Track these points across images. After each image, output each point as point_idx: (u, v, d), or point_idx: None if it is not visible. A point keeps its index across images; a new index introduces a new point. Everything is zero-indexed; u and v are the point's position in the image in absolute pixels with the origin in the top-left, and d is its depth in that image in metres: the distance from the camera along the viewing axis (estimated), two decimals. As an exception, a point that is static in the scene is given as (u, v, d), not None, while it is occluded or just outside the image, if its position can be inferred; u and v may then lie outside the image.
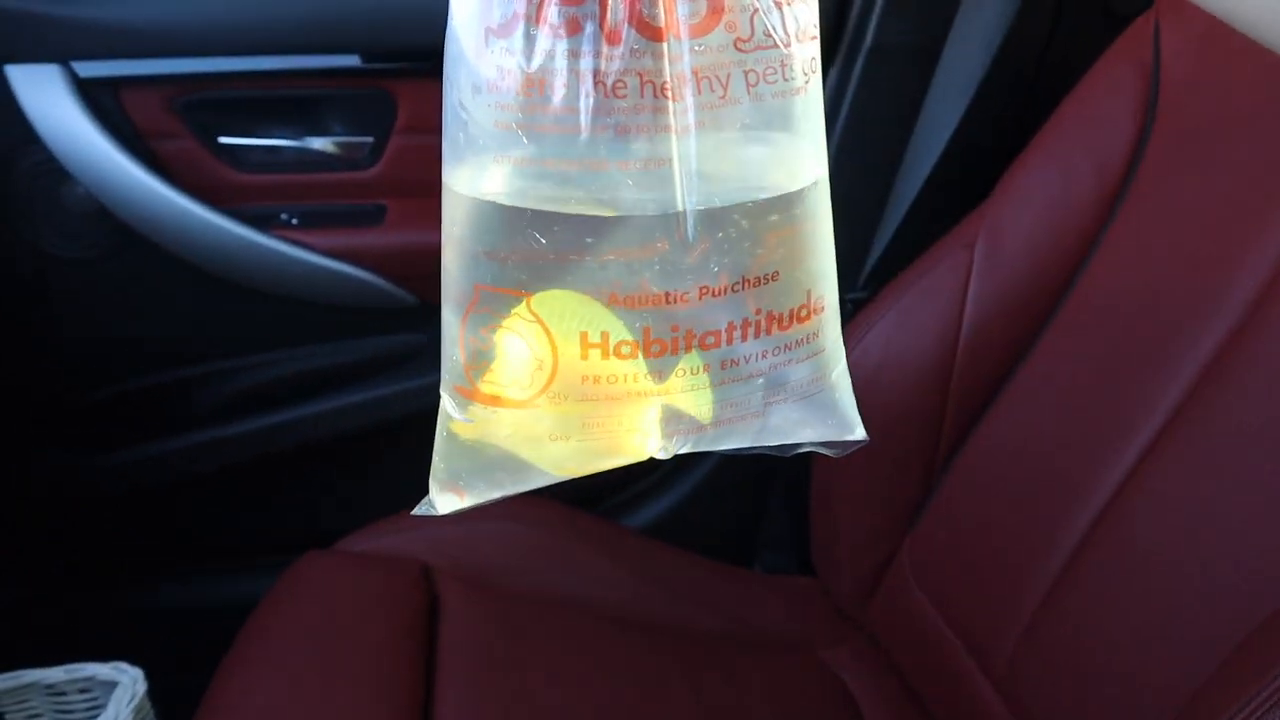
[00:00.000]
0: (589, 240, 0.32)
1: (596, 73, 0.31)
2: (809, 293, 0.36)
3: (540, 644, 0.86)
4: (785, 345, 0.36)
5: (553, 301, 0.33)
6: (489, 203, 0.33)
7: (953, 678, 0.82)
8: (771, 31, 0.32)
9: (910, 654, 0.90)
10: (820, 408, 0.38)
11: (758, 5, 0.32)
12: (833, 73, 1.02)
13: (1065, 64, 0.91)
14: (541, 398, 0.34)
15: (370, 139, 1.07)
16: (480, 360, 0.34)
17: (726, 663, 0.90)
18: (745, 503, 1.23)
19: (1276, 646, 0.54)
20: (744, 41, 0.32)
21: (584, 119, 0.31)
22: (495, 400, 0.35)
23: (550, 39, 0.31)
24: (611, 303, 0.33)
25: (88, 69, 0.98)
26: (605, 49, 0.31)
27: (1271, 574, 0.63)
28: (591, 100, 0.31)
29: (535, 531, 0.97)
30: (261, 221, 1.04)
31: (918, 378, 0.87)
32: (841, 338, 0.39)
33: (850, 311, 1.06)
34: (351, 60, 1.05)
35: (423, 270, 1.07)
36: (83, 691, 0.92)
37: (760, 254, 0.34)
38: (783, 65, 0.33)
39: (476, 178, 0.33)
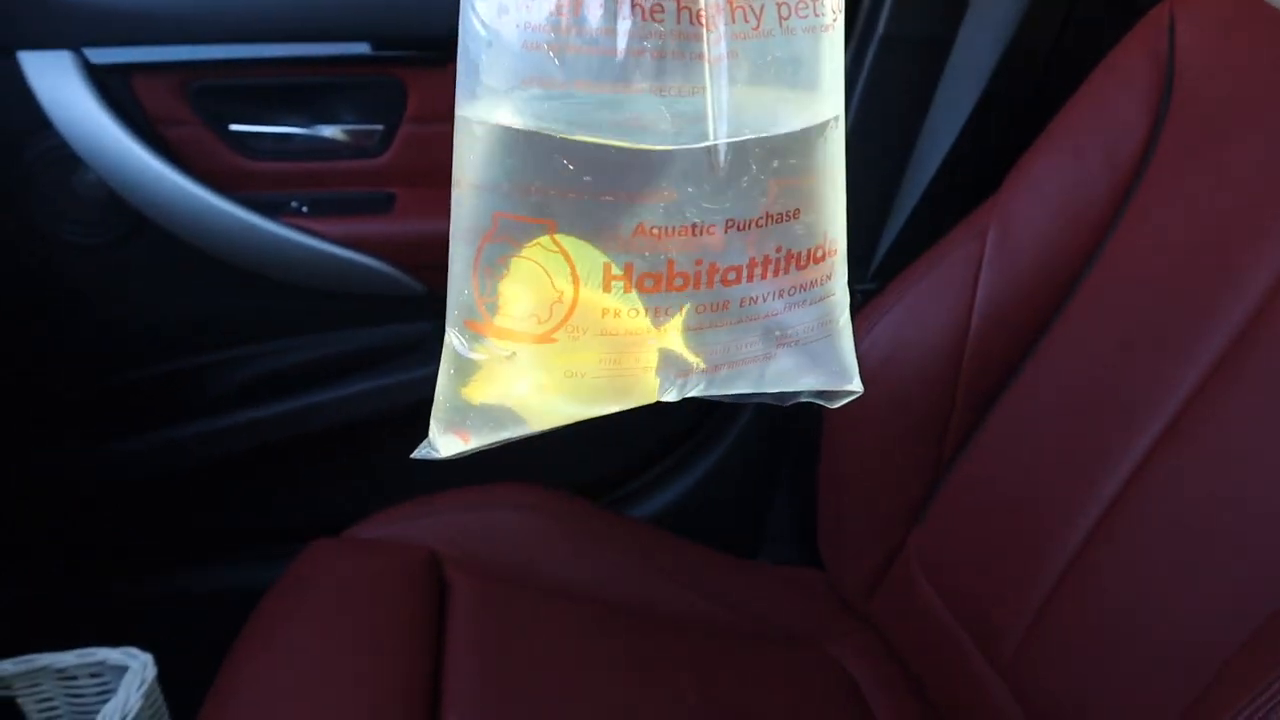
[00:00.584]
0: (617, 168, 0.32)
1: None
2: (825, 234, 0.36)
3: (547, 632, 0.86)
4: (800, 285, 0.35)
5: (571, 231, 0.32)
6: (513, 129, 0.32)
7: (959, 669, 0.82)
8: None
9: (916, 646, 0.90)
10: (823, 355, 0.38)
11: None
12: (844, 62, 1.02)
13: (1079, 54, 0.91)
14: (560, 331, 0.33)
15: (380, 127, 1.07)
16: (495, 293, 0.33)
17: (732, 653, 0.90)
18: (751, 494, 1.23)
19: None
20: None
21: (621, 41, 0.31)
22: (509, 334, 0.34)
23: None
24: (639, 233, 0.32)
25: (100, 55, 0.98)
26: None
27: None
28: (629, 23, 0.31)
29: (543, 520, 0.97)
30: (271, 209, 1.04)
31: (927, 369, 0.86)
32: (848, 286, 0.38)
33: (860, 303, 1.06)
34: (362, 48, 1.05)
35: (431, 259, 1.08)
36: (93, 676, 0.93)
37: (783, 189, 0.34)
38: (814, 0, 0.33)
39: (499, 103, 0.32)
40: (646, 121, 0.32)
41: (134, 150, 0.99)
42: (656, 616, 0.92)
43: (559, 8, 0.31)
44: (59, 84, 0.97)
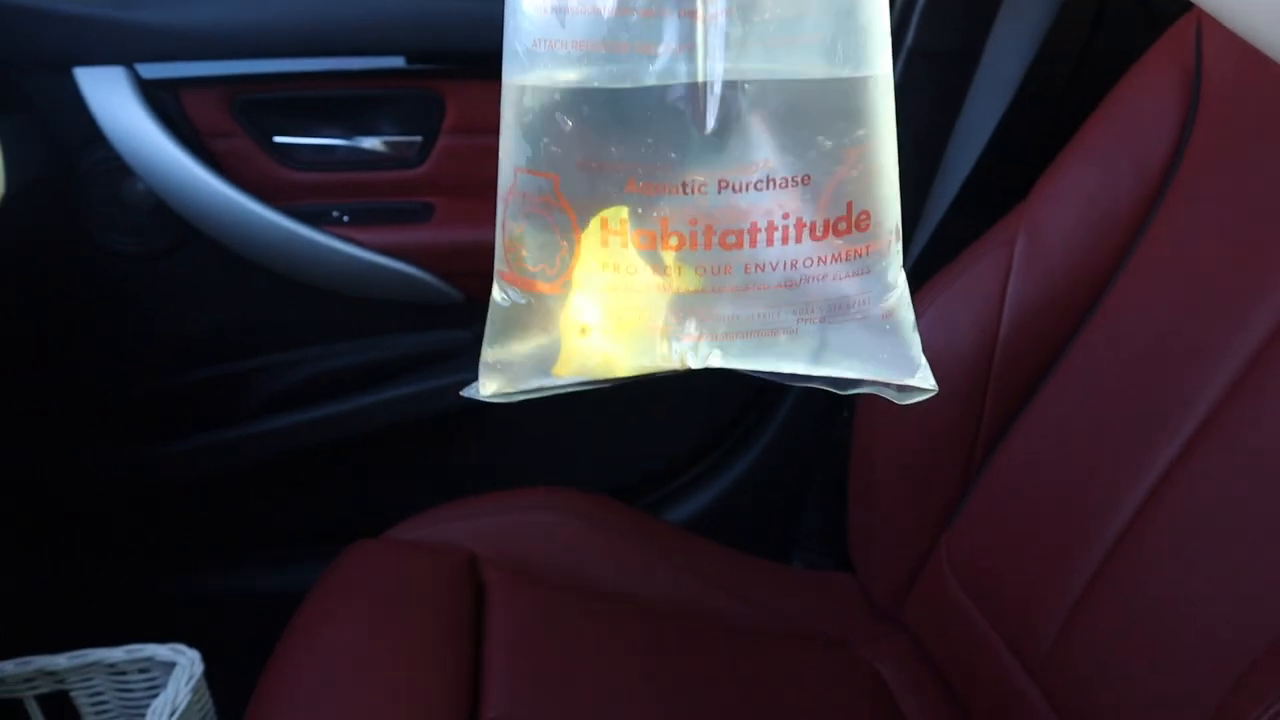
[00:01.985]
0: (612, 122, 0.32)
1: None
2: (850, 205, 0.33)
3: (584, 633, 0.87)
4: (819, 258, 0.33)
5: (573, 184, 0.33)
6: (525, 86, 0.33)
7: (991, 672, 0.83)
8: None
9: (948, 649, 0.90)
10: (870, 339, 0.35)
11: None
12: (874, 73, 1.03)
13: (1105, 65, 0.91)
14: (566, 282, 0.34)
15: (419, 138, 1.09)
16: (516, 243, 0.35)
17: (766, 656, 0.91)
18: (783, 499, 1.24)
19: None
20: None
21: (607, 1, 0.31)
22: (528, 284, 0.35)
23: None
24: (629, 189, 0.32)
25: (151, 70, 1.01)
26: None
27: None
28: None
29: (578, 523, 0.98)
30: (314, 218, 1.07)
31: (956, 375, 0.87)
32: (902, 267, 0.36)
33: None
34: (400, 62, 1.07)
35: (470, 267, 1.10)
36: (142, 671, 0.95)
37: (790, 151, 0.32)
38: None
39: (518, 61, 0.33)
40: (638, 77, 0.32)
41: (182, 161, 1.02)
42: (692, 618, 0.93)
43: None
44: (112, 98, 1.00)
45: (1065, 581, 0.77)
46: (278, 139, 1.07)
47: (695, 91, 0.31)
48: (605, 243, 0.33)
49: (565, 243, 0.33)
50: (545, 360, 0.35)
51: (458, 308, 1.10)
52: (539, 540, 0.96)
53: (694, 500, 1.22)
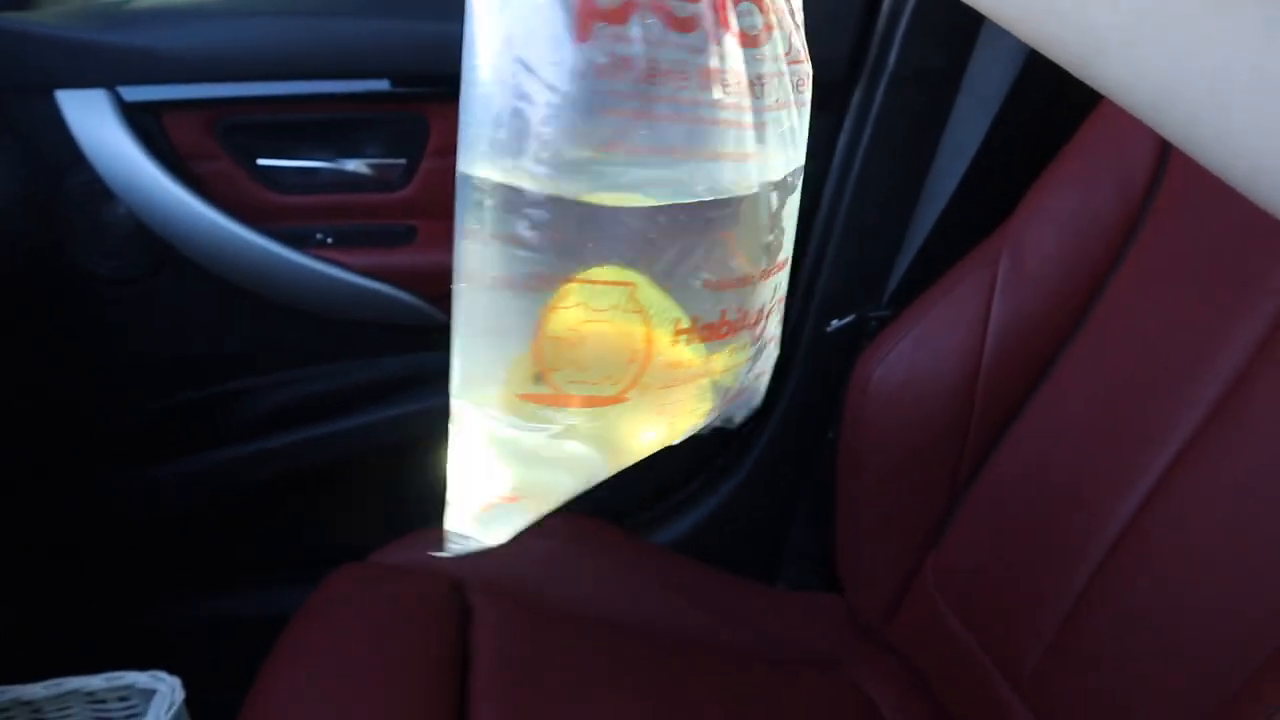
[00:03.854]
0: (689, 226, 0.33)
1: (710, 69, 0.33)
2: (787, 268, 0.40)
3: (570, 657, 0.87)
4: (778, 324, 0.40)
5: (647, 291, 0.33)
6: (598, 205, 0.32)
7: (980, 691, 0.83)
8: (800, 49, 0.37)
9: (937, 669, 0.90)
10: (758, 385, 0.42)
11: (792, 26, 0.37)
12: (856, 96, 1.04)
13: (1087, 86, 0.92)
14: (632, 390, 0.34)
15: (403, 161, 1.09)
16: (564, 360, 0.33)
17: (755, 678, 0.91)
18: (771, 520, 1.24)
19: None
20: (787, 54, 0.36)
21: (700, 111, 0.32)
22: (579, 400, 0.33)
23: (667, 31, 0.32)
24: (705, 286, 0.34)
25: (133, 93, 1.01)
26: (714, 48, 0.33)
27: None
28: (706, 94, 0.32)
29: (564, 546, 0.98)
30: (297, 241, 1.07)
31: (942, 395, 0.88)
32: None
33: (875, 329, 1.07)
34: (384, 84, 1.07)
35: (451, 289, 1.10)
36: (122, 699, 0.94)
37: (788, 237, 0.39)
38: (807, 77, 0.38)
39: (565, 166, 0.31)
40: (716, 180, 0.33)
41: (164, 184, 1.01)
42: (679, 640, 0.93)
43: (648, 75, 0.31)
44: (94, 121, 1.00)
45: (1051, 601, 0.77)
46: (261, 161, 1.07)
47: (760, 192, 0.35)
48: (675, 343, 0.34)
49: (634, 350, 0.33)
50: (570, 473, 0.35)
51: (441, 330, 1.10)
52: (526, 563, 0.96)
53: (682, 522, 1.22)
